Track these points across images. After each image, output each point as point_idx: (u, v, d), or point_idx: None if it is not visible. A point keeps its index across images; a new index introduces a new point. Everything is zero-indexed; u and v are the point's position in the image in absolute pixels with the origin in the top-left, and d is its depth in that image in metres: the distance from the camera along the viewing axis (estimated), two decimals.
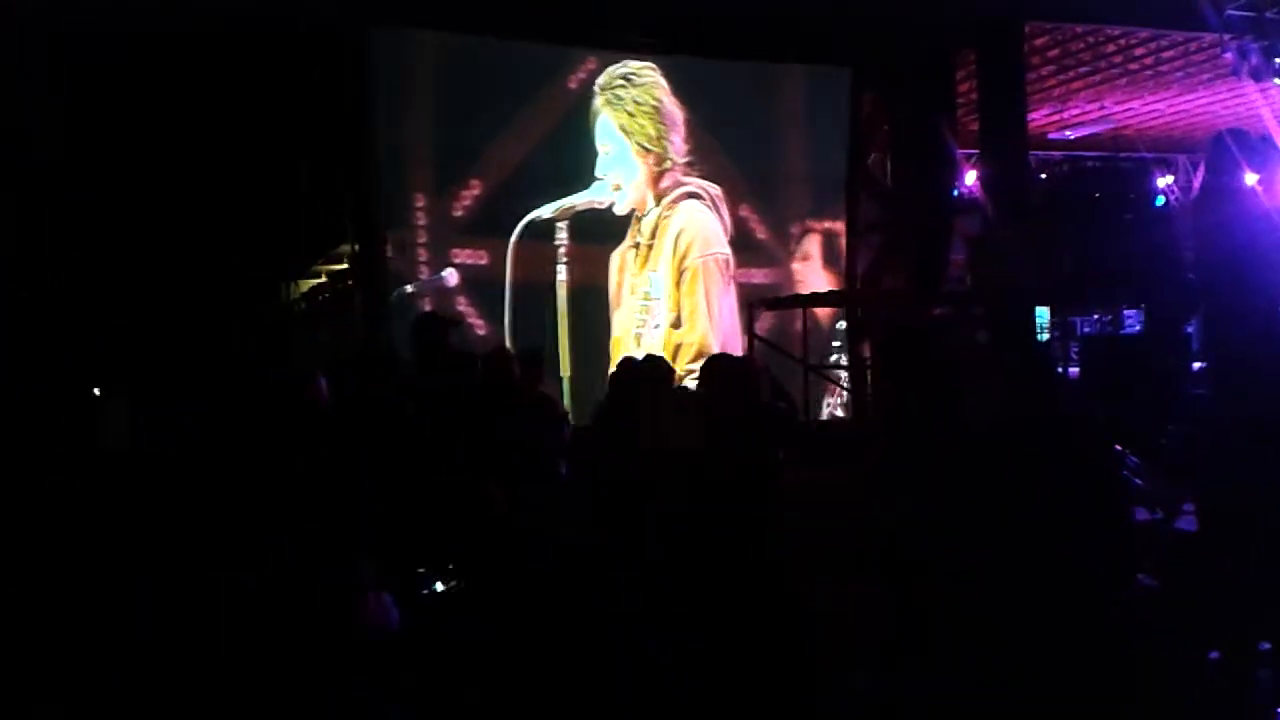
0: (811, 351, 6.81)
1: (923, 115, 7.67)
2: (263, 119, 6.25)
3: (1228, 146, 4.17)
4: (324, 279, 8.20)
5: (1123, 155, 11.88)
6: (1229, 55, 8.51)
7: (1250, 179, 4.52)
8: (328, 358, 6.53)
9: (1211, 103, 10.29)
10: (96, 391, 4.95)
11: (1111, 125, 11.21)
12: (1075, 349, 7.54)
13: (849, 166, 7.86)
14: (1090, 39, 8.73)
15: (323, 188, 6.80)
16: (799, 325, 6.77)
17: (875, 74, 7.69)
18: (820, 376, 6.36)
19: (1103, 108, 10.54)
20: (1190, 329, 4.85)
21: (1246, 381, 3.53)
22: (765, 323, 6.94)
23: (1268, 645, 3.30)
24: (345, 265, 7.37)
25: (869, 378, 7.21)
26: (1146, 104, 10.48)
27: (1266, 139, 5.09)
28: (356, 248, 6.74)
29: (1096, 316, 9.30)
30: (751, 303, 6.77)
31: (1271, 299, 4.22)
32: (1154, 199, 9.58)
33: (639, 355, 4.64)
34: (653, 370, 3.83)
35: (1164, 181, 11.54)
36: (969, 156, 8.80)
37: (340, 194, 6.71)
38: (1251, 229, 4.17)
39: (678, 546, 2.88)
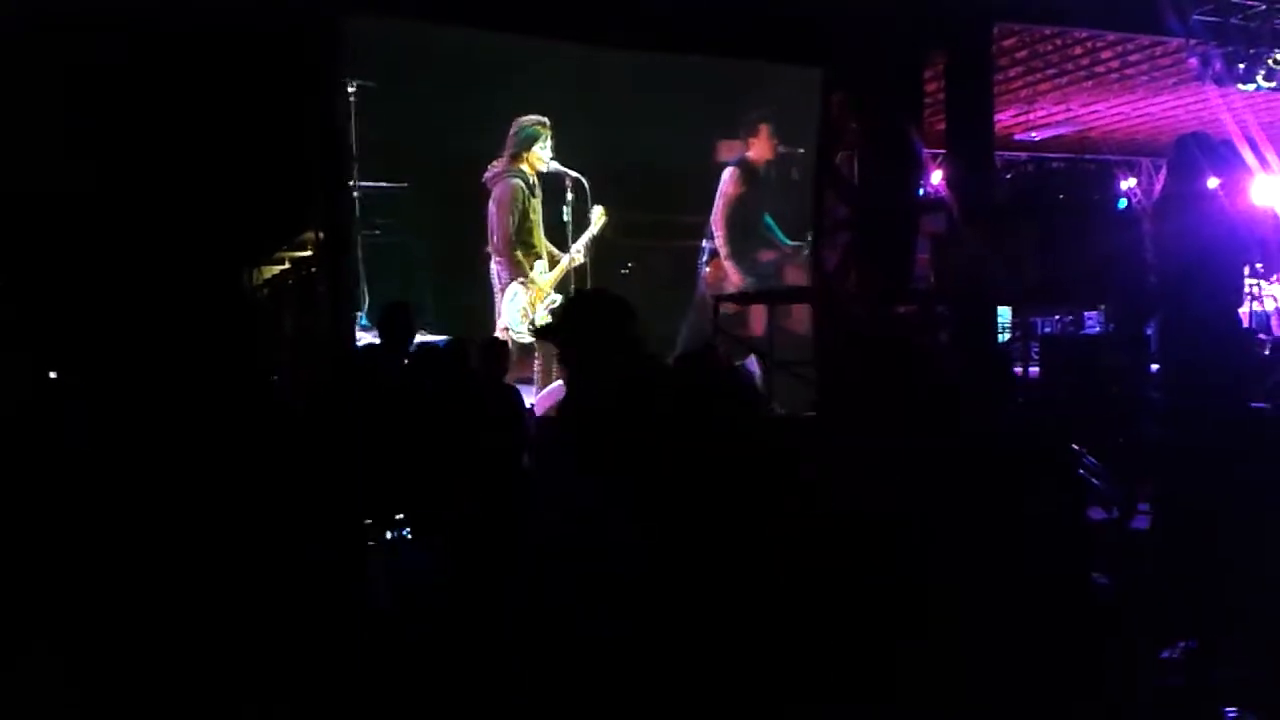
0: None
1: (891, 115, 7.70)
2: (227, 103, 6.16)
3: (1190, 151, 4.24)
4: (288, 265, 8.10)
5: (1087, 157, 12.01)
6: (1193, 60, 8.62)
7: (1211, 183, 4.60)
8: (293, 345, 6.48)
9: (1175, 107, 10.42)
10: (53, 375, 4.86)
11: (1077, 127, 11.33)
12: (1036, 349, 7.61)
13: (817, 165, 7.88)
14: (1058, 41, 8.81)
15: (287, 172, 6.70)
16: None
17: (844, 73, 7.71)
18: (788, 372, 6.37)
19: (1068, 109, 10.64)
20: (1149, 331, 4.92)
21: (1201, 384, 3.59)
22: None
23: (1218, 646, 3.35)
24: (309, 252, 7.28)
25: (835, 374, 7.23)
26: (1111, 107, 10.59)
27: (1228, 143, 5.15)
28: (321, 235, 6.64)
29: (1058, 317, 9.38)
30: (715, 297, 6.78)
31: (1228, 303, 4.30)
32: (1117, 201, 9.66)
33: None
34: None
35: (1127, 184, 11.66)
36: (935, 156, 8.85)
37: (306, 179, 6.61)
38: (1210, 234, 4.24)
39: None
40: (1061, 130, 11.41)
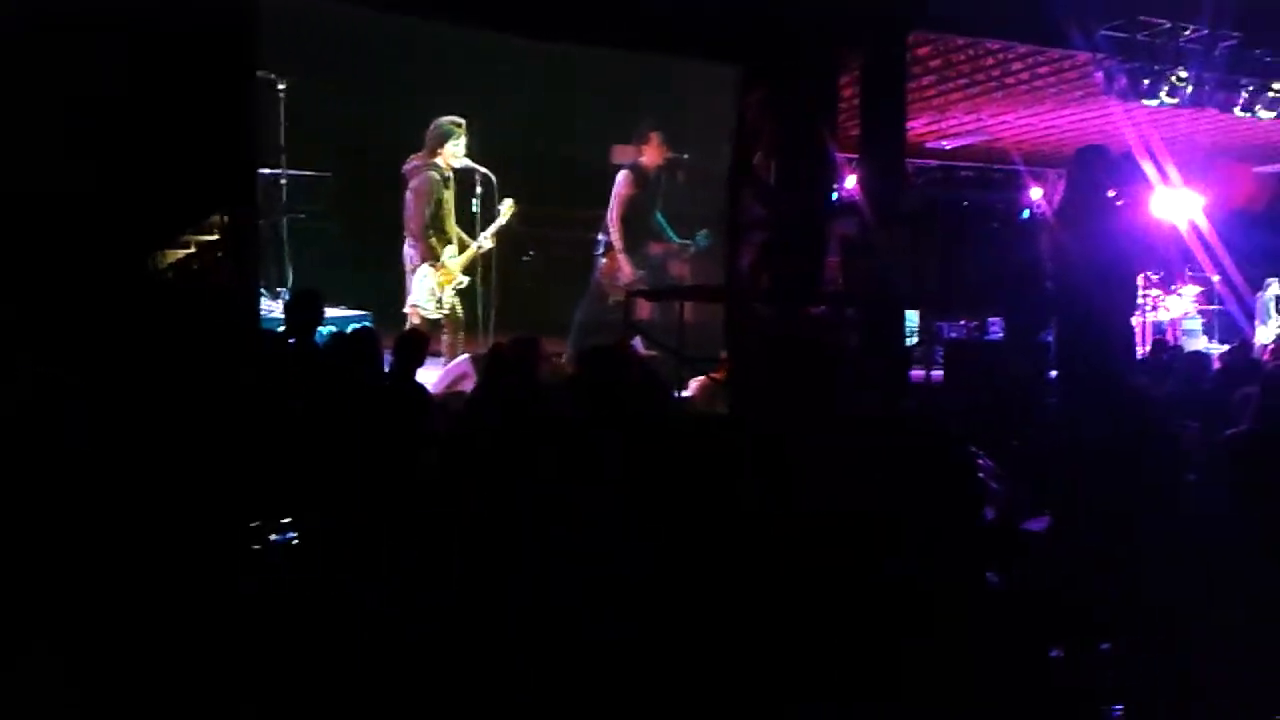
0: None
1: (807, 117, 7.79)
2: (134, 82, 6.00)
3: (1090, 163, 4.36)
4: (194, 249, 7.95)
5: (996, 167, 12.29)
6: (1099, 75, 8.87)
7: (1110, 195, 4.73)
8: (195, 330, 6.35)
9: (1082, 120, 10.69)
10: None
11: (986, 137, 11.56)
12: (941, 353, 7.77)
13: (732, 165, 7.95)
14: (970, 52, 8.97)
15: (193, 154, 6.58)
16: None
17: (762, 74, 7.78)
18: (697, 369, 6.40)
19: (979, 119, 10.85)
20: (1047, 338, 5.04)
21: (1095, 389, 3.69)
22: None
23: (1108, 645, 3.43)
24: (216, 236, 7.16)
25: (746, 371, 7.29)
26: (1020, 118, 10.83)
27: (1127, 157, 5.31)
28: (226, 219, 6.55)
29: (963, 322, 9.60)
30: (631, 293, 6.82)
31: (1124, 311, 4.44)
32: (1020, 211, 9.97)
33: None
34: None
35: (1034, 194, 11.96)
36: (849, 160, 8.97)
37: (212, 161, 6.50)
38: (1106, 244, 4.37)
39: None
40: (972, 139, 11.64)
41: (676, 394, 5.59)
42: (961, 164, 12.55)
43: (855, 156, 8.37)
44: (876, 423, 4.37)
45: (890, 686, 2.62)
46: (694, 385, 5.60)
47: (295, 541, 2.98)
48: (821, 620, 2.75)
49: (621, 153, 8.42)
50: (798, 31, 7.22)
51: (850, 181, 9.36)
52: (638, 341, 6.51)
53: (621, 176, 7.95)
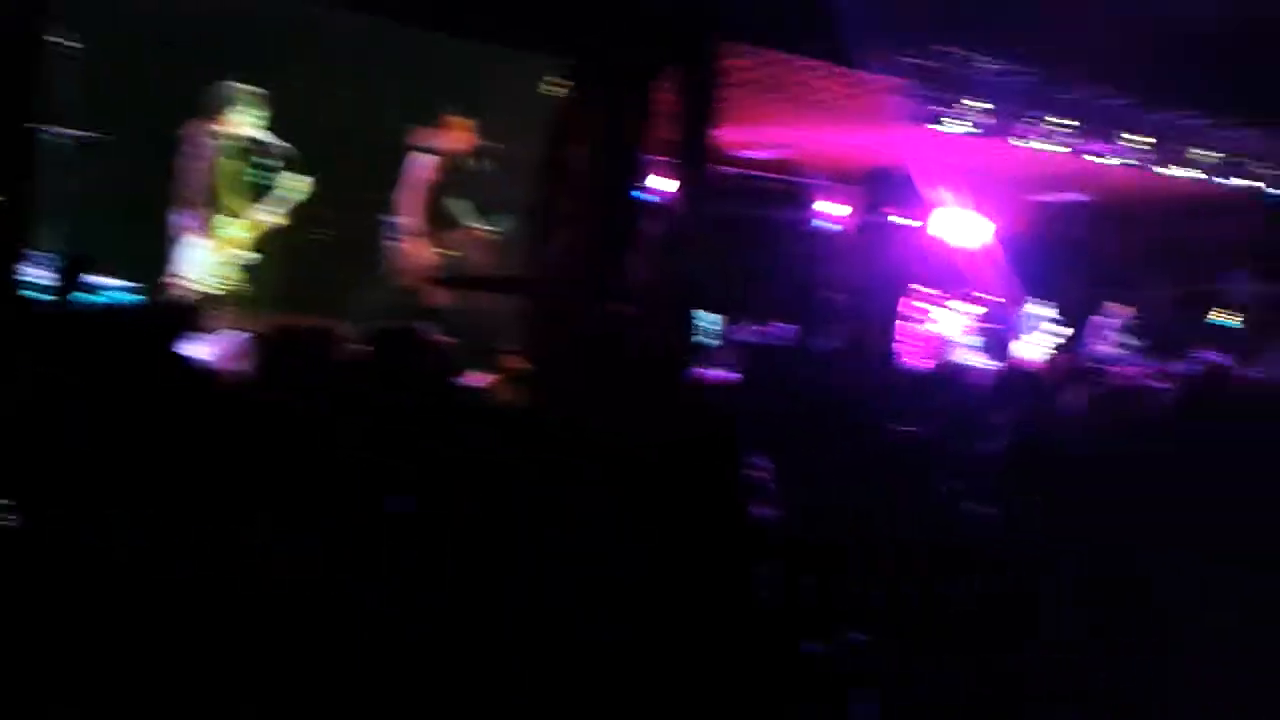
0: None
1: (622, 116, 7.89)
2: None
3: (879, 183, 4.61)
4: None
5: (800, 180, 12.70)
6: (899, 99, 9.33)
7: (890, 214, 5.01)
8: None
9: (884, 140, 11.19)
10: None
11: (795, 151, 11.96)
12: (737, 356, 8.00)
13: (545, 158, 7.97)
14: (783, 67, 9.27)
15: None
16: None
17: (579, 69, 7.83)
18: (493, 359, 6.37)
19: (788, 134, 11.22)
20: (835, 345, 5.28)
21: (867, 394, 3.91)
22: None
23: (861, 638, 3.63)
24: None
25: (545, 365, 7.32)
26: (826, 134, 11.24)
27: (914, 178, 5.61)
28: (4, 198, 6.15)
29: (757, 327, 9.90)
30: (426, 279, 6.76)
31: (891, 321, 4.70)
32: (816, 224, 10.40)
33: None
34: None
35: (832, 209, 12.43)
36: (663, 163, 9.12)
37: None
38: (889, 260, 4.62)
39: None
40: (781, 153, 12.01)
41: (470, 384, 5.56)
42: (769, 175, 12.92)
43: (667, 159, 8.52)
44: (667, 418, 4.47)
45: (644, 680, 2.70)
46: (488, 376, 5.58)
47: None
48: (578, 608, 2.81)
49: (424, 135, 8.20)
50: (615, 32, 7.31)
51: (661, 183, 9.53)
52: (429, 329, 6.42)
53: (423, 159, 7.77)
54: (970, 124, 9.54)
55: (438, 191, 7.86)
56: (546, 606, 2.99)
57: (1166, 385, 6.10)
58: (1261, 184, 11.86)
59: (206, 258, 7.01)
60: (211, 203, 7.05)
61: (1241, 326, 13.79)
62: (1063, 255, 15.68)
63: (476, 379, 6.05)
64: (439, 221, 7.87)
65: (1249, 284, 13.83)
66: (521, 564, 3.10)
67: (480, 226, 8.05)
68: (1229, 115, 11.00)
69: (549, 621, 2.95)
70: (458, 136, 7.89)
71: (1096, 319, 13.15)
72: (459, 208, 7.99)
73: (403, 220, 7.69)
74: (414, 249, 7.66)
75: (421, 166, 7.82)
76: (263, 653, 2.61)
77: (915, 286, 10.10)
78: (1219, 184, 11.80)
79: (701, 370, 7.54)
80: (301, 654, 2.61)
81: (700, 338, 8.10)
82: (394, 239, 7.74)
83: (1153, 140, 10.68)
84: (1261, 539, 2.87)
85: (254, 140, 7.12)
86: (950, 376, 5.55)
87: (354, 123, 8.38)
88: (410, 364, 4.15)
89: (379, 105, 8.53)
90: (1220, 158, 11.26)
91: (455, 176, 7.96)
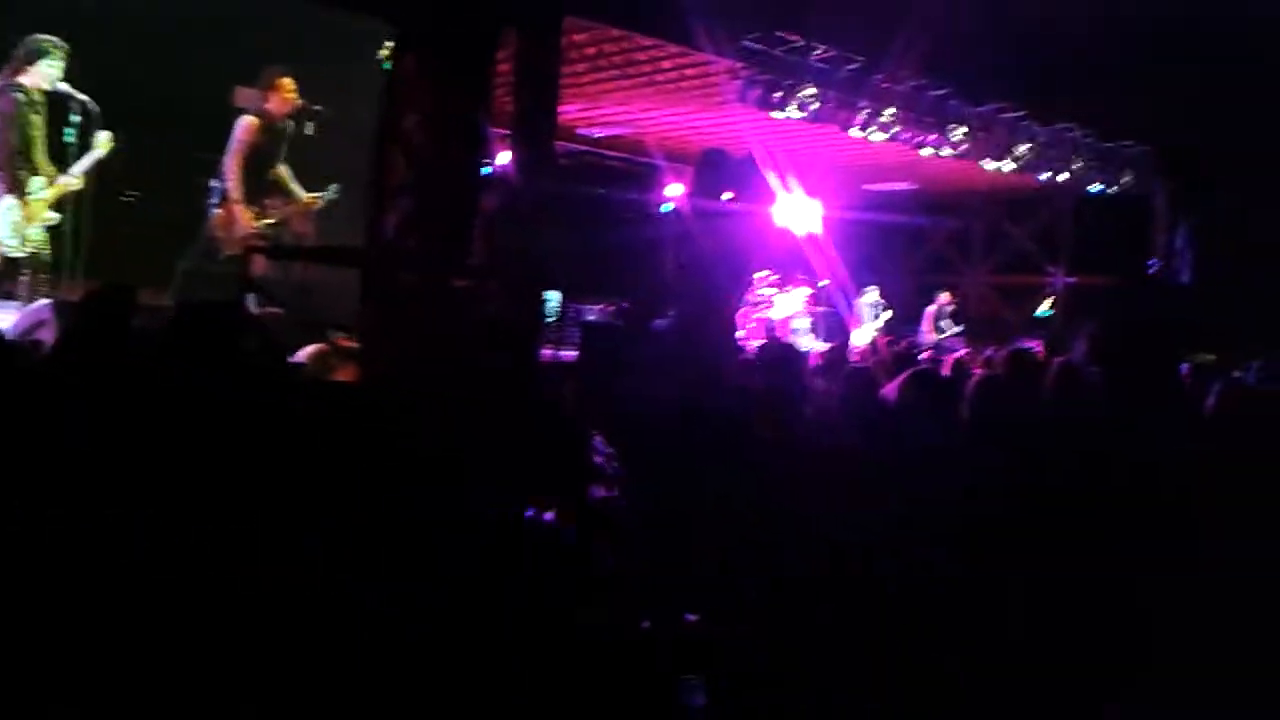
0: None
1: (461, 87, 7.71)
2: None
3: (710, 165, 4.64)
4: None
5: (641, 159, 12.79)
6: (737, 83, 9.45)
7: (726, 197, 5.05)
8: None
9: (723, 123, 11.34)
10: None
11: (635, 130, 12.01)
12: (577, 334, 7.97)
13: (380, 126, 7.71)
14: (624, 44, 9.27)
15: None
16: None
17: (417, 36, 7.61)
18: (319, 333, 6.15)
19: (629, 112, 11.25)
20: (659, 325, 5.30)
21: (691, 372, 3.95)
22: None
23: (693, 617, 3.65)
24: None
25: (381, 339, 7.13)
26: (667, 115, 11.33)
27: (748, 161, 5.68)
28: None
29: (601, 306, 9.91)
30: (249, 248, 6.45)
31: (732, 305, 4.77)
32: (652, 204, 10.49)
33: None
34: None
35: (673, 189, 12.55)
36: (503, 136, 9.00)
37: None
38: (722, 241, 4.66)
39: None
40: (621, 130, 12.05)
41: (292, 358, 5.34)
42: (611, 153, 12.96)
43: (506, 132, 8.40)
44: (504, 396, 4.41)
45: (482, 661, 2.65)
46: (309, 350, 5.35)
47: None
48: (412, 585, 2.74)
49: (245, 96, 7.73)
50: (454, 1, 7.12)
51: (502, 157, 9.40)
52: (251, 300, 6.13)
53: (243, 122, 7.29)
54: (805, 110, 9.74)
55: (260, 156, 7.45)
56: (373, 589, 2.91)
57: (983, 370, 6.38)
58: (1076, 177, 12.53)
59: (9, 219, 6.52)
60: (14, 161, 6.53)
61: (1053, 313, 14.63)
62: (892, 243, 16.32)
63: (302, 354, 5.84)
64: (262, 188, 7.48)
65: (1063, 274, 14.66)
66: (346, 547, 3.00)
67: (308, 194, 7.69)
68: (1048, 112, 11.59)
69: (376, 604, 2.87)
70: (280, 98, 7.49)
71: (928, 307, 13.72)
72: (284, 174, 7.62)
73: (225, 185, 7.29)
74: (236, 216, 7.26)
75: (244, 129, 7.42)
76: (60, 636, 2.45)
77: (753, 270, 10.33)
78: (1037, 178, 12.42)
79: (544, 348, 7.51)
80: (94, 636, 2.45)
81: (545, 315, 8.04)
82: (216, 205, 7.32)
83: (977, 132, 11.14)
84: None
85: (61, 95, 6.58)
86: (779, 359, 5.66)
87: (175, 83, 7.84)
88: (224, 338, 3.94)
89: (203, 65, 8.06)
90: (1038, 151, 11.84)
91: (277, 140, 7.55)
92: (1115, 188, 12.95)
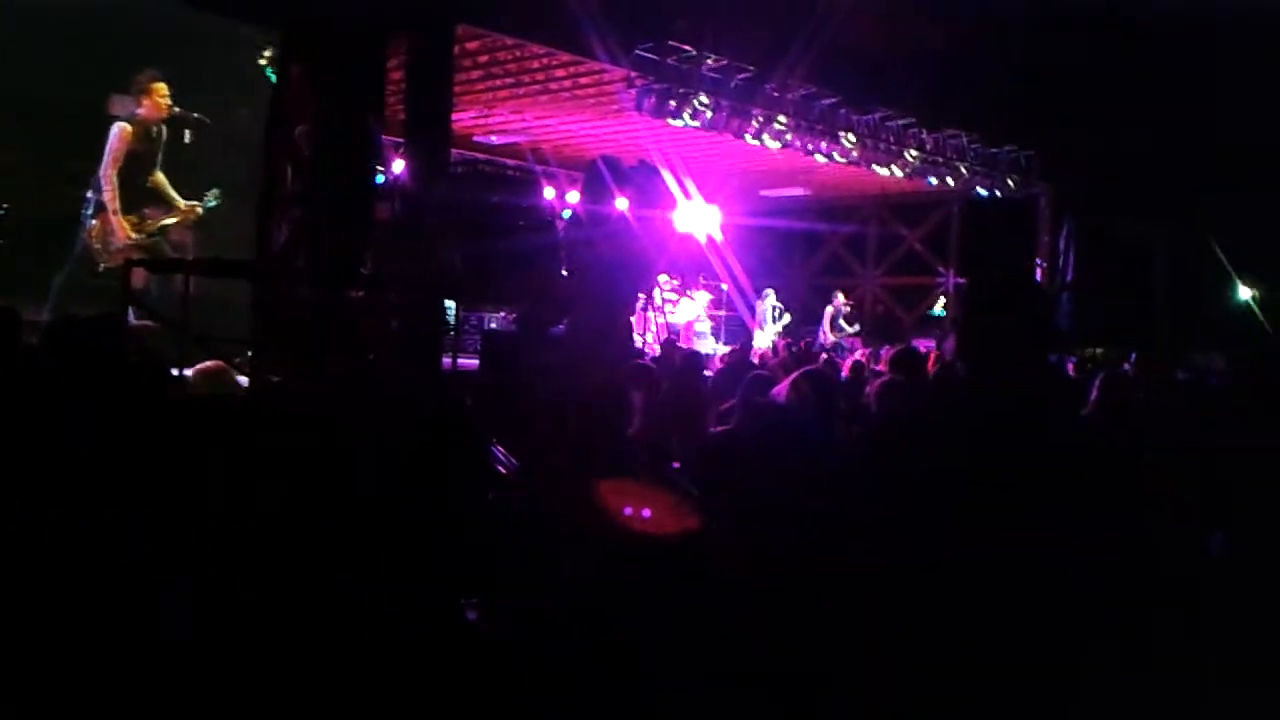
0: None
1: (351, 95, 7.59)
2: None
3: (600, 172, 4.65)
4: None
5: (539, 167, 12.76)
6: (631, 92, 9.49)
7: (622, 204, 5.07)
8: None
9: (618, 131, 11.39)
10: None
11: (531, 137, 11.99)
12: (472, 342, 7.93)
13: (268, 135, 7.54)
14: (517, 52, 9.24)
15: None
16: None
17: (303, 44, 7.47)
18: (204, 347, 5.98)
19: (524, 119, 11.22)
20: (558, 331, 5.30)
21: (591, 378, 3.95)
22: None
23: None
24: None
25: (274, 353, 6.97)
26: (563, 122, 11.33)
27: (642, 168, 5.70)
28: None
29: (502, 314, 9.88)
30: (129, 261, 6.22)
31: (628, 311, 4.78)
32: (557, 211, 10.47)
33: None
34: None
35: (571, 197, 12.56)
36: (396, 144, 8.90)
37: None
38: (616, 248, 4.68)
39: None
40: (518, 138, 12.01)
41: (178, 373, 5.18)
42: (508, 160, 12.91)
43: (400, 141, 8.31)
44: (404, 405, 4.36)
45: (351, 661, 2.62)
46: (200, 367, 5.19)
47: None
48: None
49: (118, 103, 7.40)
50: (340, 7, 7.02)
51: (396, 165, 9.31)
52: (130, 314, 5.91)
53: (116, 130, 6.99)
54: (698, 119, 9.82)
55: (136, 164, 7.18)
56: (250, 597, 2.85)
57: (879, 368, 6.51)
58: (964, 182, 12.88)
59: None
60: None
61: (945, 313, 15.01)
62: (790, 248, 16.58)
63: (198, 367, 5.68)
64: (139, 197, 7.21)
65: (953, 274, 15.06)
66: (228, 558, 2.94)
67: (187, 203, 7.45)
68: (935, 119, 11.90)
69: (250, 617, 2.81)
70: (155, 103, 7.23)
71: (826, 309, 13.96)
72: (162, 181, 7.37)
73: (102, 196, 7.01)
74: (114, 227, 7.00)
75: (118, 137, 7.16)
76: None
77: (653, 276, 10.38)
78: (927, 183, 12.74)
79: (442, 357, 7.42)
80: None
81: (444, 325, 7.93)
82: (91, 216, 7.04)
83: (866, 139, 11.37)
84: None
85: None
86: (680, 364, 5.72)
87: (42, 89, 7.56)
88: (102, 353, 3.82)
89: (72, 70, 7.74)
90: (925, 157, 12.14)
91: (153, 147, 7.31)
92: (1001, 191, 13.34)
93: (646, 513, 3.16)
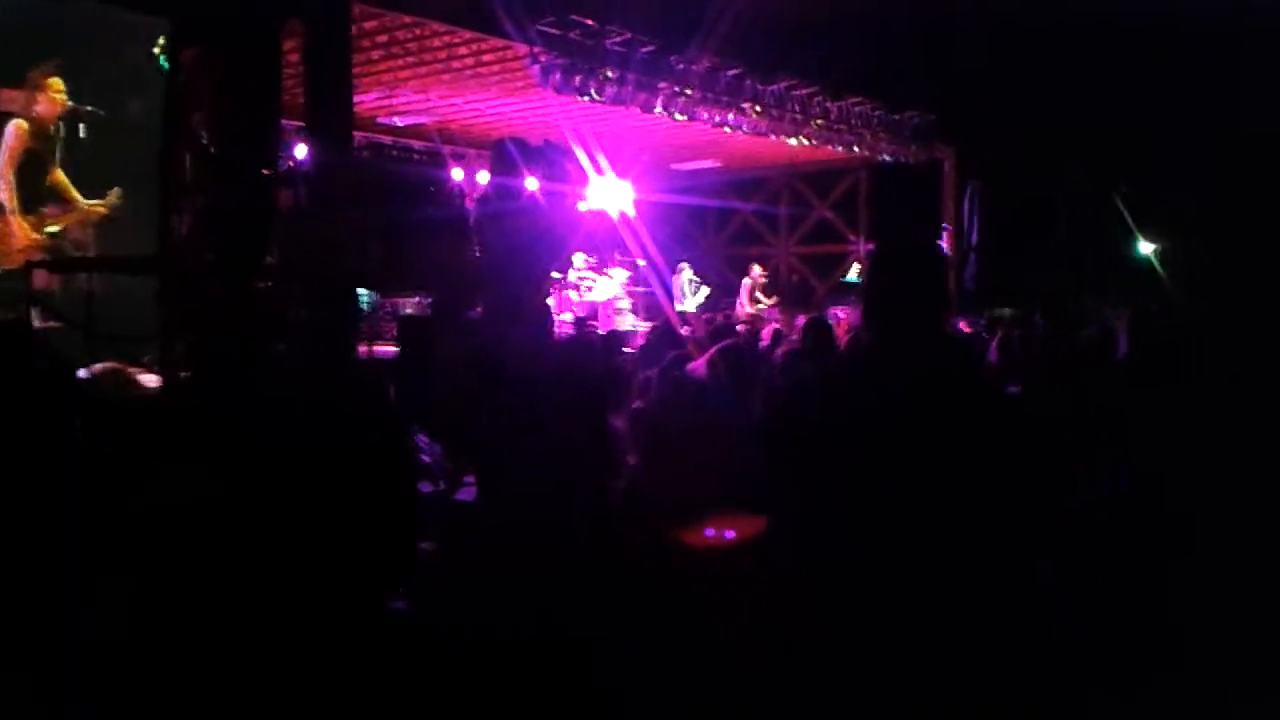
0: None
1: (248, 80, 7.40)
2: None
3: (508, 152, 4.59)
4: None
5: (446, 148, 12.60)
6: (535, 68, 9.39)
7: (531, 183, 5.02)
8: None
9: (525, 108, 11.28)
10: None
11: (437, 118, 11.80)
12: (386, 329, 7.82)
13: (165, 124, 7.33)
14: (417, 31, 9.08)
15: None
16: None
17: (195, 28, 7.26)
18: (111, 346, 5.83)
19: (428, 99, 11.04)
20: (474, 314, 5.24)
21: (512, 367, 3.92)
22: None
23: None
24: None
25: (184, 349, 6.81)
26: (468, 102, 11.18)
27: (549, 146, 5.64)
28: None
29: (417, 299, 9.75)
30: (30, 263, 6.04)
31: (536, 292, 4.74)
32: (466, 192, 10.38)
33: None
34: None
35: (480, 177, 12.44)
36: (297, 129, 8.70)
37: None
38: (522, 229, 4.62)
39: None
40: (422, 119, 11.82)
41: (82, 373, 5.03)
42: (415, 142, 12.72)
43: (300, 125, 8.13)
44: (321, 396, 4.30)
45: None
46: (99, 367, 5.06)
47: None
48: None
49: (10, 99, 7.23)
50: None
51: (299, 151, 9.11)
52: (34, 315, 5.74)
53: (11, 128, 6.86)
54: (603, 94, 9.77)
55: (33, 162, 6.96)
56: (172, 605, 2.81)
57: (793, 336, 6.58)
58: (869, 148, 13.05)
59: None
60: None
61: (859, 279, 15.21)
62: (703, 220, 16.65)
63: (96, 369, 5.52)
64: (38, 196, 7.00)
65: (863, 241, 15.27)
66: (149, 560, 2.89)
67: (89, 201, 7.24)
68: (838, 87, 12.02)
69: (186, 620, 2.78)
70: (49, 99, 7.01)
71: (744, 280, 14.06)
72: (62, 179, 7.15)
73: None
74: (13, 228, 6.77)
75: (13, 135, 6.92)
76: None
77: (567, 255, 10.34)
78: (834, 150, 12.87)
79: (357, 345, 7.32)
80: None
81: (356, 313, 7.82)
82: None
83: (771, 110, 11.44)
84: None
85: None
86: (597, 341, 5.72)
87: None
88: (11, 357, 3.70)
89: None
90: (830, 125, 12.27)
91: (50, 144, 7.08)
92: (905, 157, 13.55)
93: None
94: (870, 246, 15.02)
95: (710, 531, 3.12)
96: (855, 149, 12.89)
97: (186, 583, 2.86)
